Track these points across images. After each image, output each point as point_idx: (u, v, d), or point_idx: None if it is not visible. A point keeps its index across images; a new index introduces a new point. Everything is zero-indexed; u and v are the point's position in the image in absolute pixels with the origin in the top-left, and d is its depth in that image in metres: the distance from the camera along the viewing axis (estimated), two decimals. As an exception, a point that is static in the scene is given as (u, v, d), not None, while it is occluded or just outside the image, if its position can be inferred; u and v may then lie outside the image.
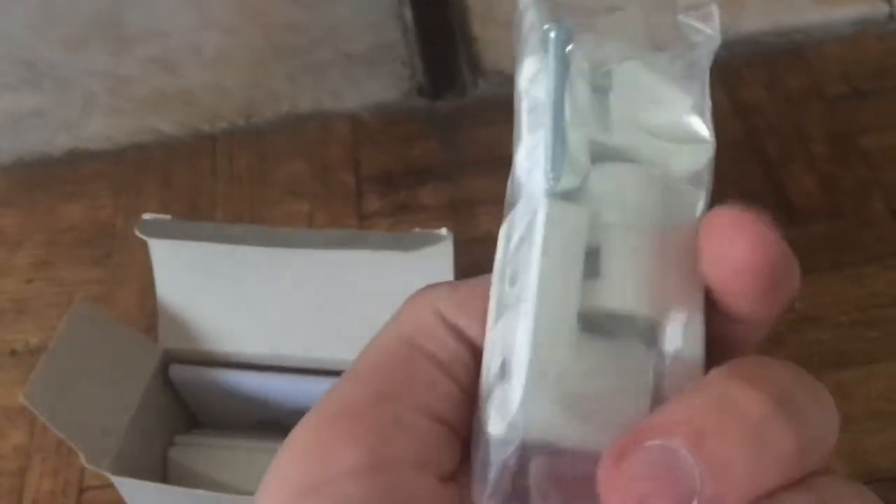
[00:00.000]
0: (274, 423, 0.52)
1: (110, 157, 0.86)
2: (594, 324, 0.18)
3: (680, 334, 0.19)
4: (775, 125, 0.80)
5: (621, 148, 0.20)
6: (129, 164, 0.85)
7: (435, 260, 0.43)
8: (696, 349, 0.19)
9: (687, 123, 0.23)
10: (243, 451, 0.50)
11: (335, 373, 0.49)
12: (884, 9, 0.86)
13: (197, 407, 0.52)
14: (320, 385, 0.49)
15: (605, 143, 0.20)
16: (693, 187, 0.22)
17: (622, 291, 0.19)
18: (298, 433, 0.19)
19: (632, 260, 0.19)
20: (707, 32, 0.22)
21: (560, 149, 0.20)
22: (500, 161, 0.88)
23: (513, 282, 0.19)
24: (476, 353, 0.20)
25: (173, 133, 0.87)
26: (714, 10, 0.22)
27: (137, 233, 0.44)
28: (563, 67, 0.21)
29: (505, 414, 0.18)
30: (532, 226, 0.19)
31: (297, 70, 0.88)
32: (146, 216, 0.45)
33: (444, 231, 0.43)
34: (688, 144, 0.22)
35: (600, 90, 0.21)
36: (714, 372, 0.18)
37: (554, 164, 0.20)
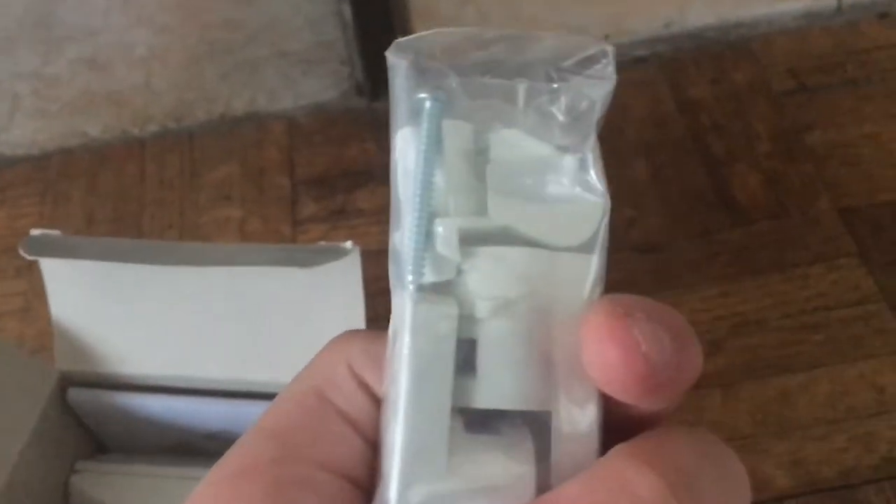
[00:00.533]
0: (184, 446, 0.49)
1: (35, 162, 0.82)
2: (475, 421, 0.18)
3: (572, 418, 0.18)
4: (721, 122, 0.79)
5: (499, 228, 0.19)
6: (55, 170, 0.82)
7: (341, 275, 0.40)
8: (592, 431, 0.18)
9: (574, 186, 0.20)
10: (150, 477, 0.47)
11: (241, 394, 0.46)
12: (830, 1, 0.84)
13: (100, 432, 0.49)
14: (226, 407, 0.46)
15: (480, 226, 0.19)
16: (585, 255, 0.20)
17: (499, 388, 0.18)
18: (199, 490, 0.19)
19: (509, 353, 0.18)
20: (599, 77, 0.21)
21: (422, 245, 0.19)
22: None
23: (392, 382, 0.18)
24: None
25: (101, 137, 0.84)
26: (609, 50, 0.20)
27: (21, 252, 0.41)
28: (435, 145, 0.19)
29: None
30: (401, 326, 0.18)
31: (231, 69, 0.85)
32: (33, 232, 0.42)
33: (349, 244, 0.40)
34: (577, 208, 0.20)
35: (478, 162, 0.19)
36: (614, 451, 0.18)
37: (415, 262, 0.18)
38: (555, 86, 0.19)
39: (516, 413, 0.18)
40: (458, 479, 0.17)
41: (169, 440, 0.49)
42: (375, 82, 0.84)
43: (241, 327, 0.45)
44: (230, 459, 0.19)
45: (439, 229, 0.19)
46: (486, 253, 0.19)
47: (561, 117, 0.20)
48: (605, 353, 0.18)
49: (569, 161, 0.20)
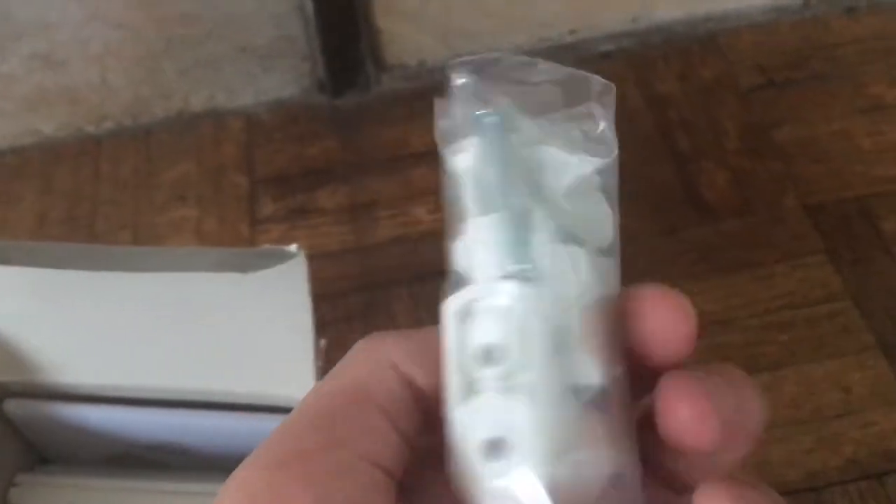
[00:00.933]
0: (127, 457, 0.48)
1: (-15, 161, 0.80)
2: (581, 395, 0.20)
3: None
4: (688, 119, 0.77)
5: (558, 228, 0.22)
6: (7, 169, 0.79)
7: (286, 279, 0.38)
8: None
9: (597, 197, 0.25)
10: (92, 490, 0.46)
11: (185, 403, 0.44)
12: (798, -4, 0.83)
13: (40, 443, 0.47)
14: (170, 417, 0.44)
15: (552, 224, 0.22)
16: (611, 258, 0.24)
17: (594, 366, 0.20)
18: (246, 475, 0.20)
19: (593, 335, 0.21)
20: (610, 106, 0.24)
21: (522, 233, 0.21)
22: (403, 161, 0.84)
23: (489, 362, 0.20)
24: (420, 402, 0.21)
25: (55, 135, 0.82)
26: (612, 86, 0.24)
27: (-52, 257, 0.39)
28: (507, 152, 0.22)
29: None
30: (505, 311, 0.20)
31: (189, 65, 0.83)
32: (-39, 236, 0.40)
33: (294, 248, 0.38)
34: (602, 216, 0.25)
35: (531, 171, 0.23)
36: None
37: (517, 249, 0.21)
38: (582, 109, 0.23)
39: (608, 389, 0.20)
40: (588, 449, 0.19)
41: (111, 451, 0.47)
42: (337, 79, 0.83)
43: (184, 334, 0.43)
44: (274, 447, 0.20)
45: (531, 220, 0.21)
46: (557, 247, 0.21)
47: (585, 135, 0.24)
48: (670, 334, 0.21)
49: (594, 176, 0.24)
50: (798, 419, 0.59)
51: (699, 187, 0.72)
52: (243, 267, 0.38)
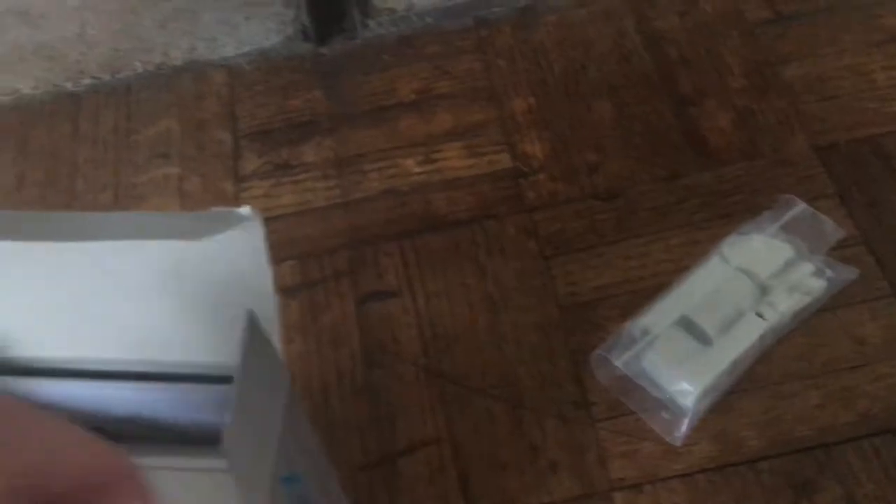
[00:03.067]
0: (100, 433, 0.45)
1: (-39, 123, 0.77)
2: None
3: None
4: (689, 57, 0.73)
5: None
6: (-17, 131, 0.77)
7: (239, 245, 0.35)
8: None
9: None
10: None
11: (151, 376, 0.42)
12: (808, -78, 0.78)
13: None
14: (137, 391, 0.42)
15: None
16: None
17: None
18: None
19: None
20: None
21: None
22: (390, 111, 0.80)
23: None
24: None
25: (32, 93, 0.79)
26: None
27: None
28: None
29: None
30: None
31: (169, 16, 0.79)
32: None
33: (246, 210, 0.35)
34: None
35: None
36: None
37: None
38: None
39: None
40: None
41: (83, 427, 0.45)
42: (322, 26, 0.79)
43: (138, 305, 0.40)
44: None
45: None
46: None
47: None
48: None
49: None
50: (809, 373, 0.56)
51: (701, 130, 0.69)
52: (194, 234, 0.35)
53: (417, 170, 0.69)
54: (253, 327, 0.35)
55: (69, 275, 0.40)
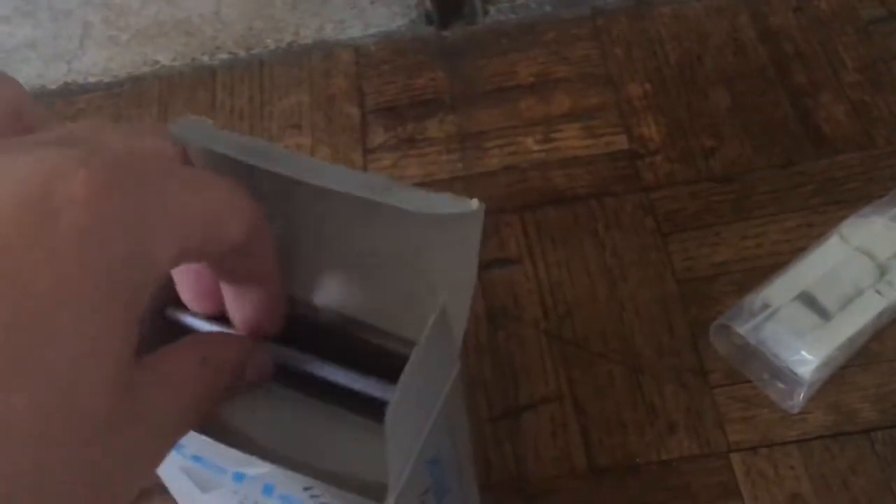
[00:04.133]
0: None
1: (106, 89, 0.83)
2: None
3: None
4: (804, 52, 0.76)
5: None
6: (126, 97, 0.82)
7: (459, 235, 0.36)
8: None
9: None
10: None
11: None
12: (924, -75, 0.80)
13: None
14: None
15: None
16: None
17: None
18: None
19: None
20: None
21: None
22: (510, 92, 0.84)
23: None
24: None
25: (172, 65, 0.84)
26: None
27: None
28: None
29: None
30: None
31: (299, -1, 0.84)
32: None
33: (475, 203, 0.35)
34: None
35: None
36: None
37: None
38: None
39: None
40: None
41: None
42: (444, 11, 0.83)
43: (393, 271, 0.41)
44: None
45: None
46: None
47: None
48: None
49: None
50: (919, 351, 0.58)
51: (816, 120, 0.71)
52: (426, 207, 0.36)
53: (536, 148, 0.73)
54: (442, 314, 0.35)
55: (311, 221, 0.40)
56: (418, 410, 0.37)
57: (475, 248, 0.36)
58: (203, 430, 0.34)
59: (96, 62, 0.84)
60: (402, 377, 0.33)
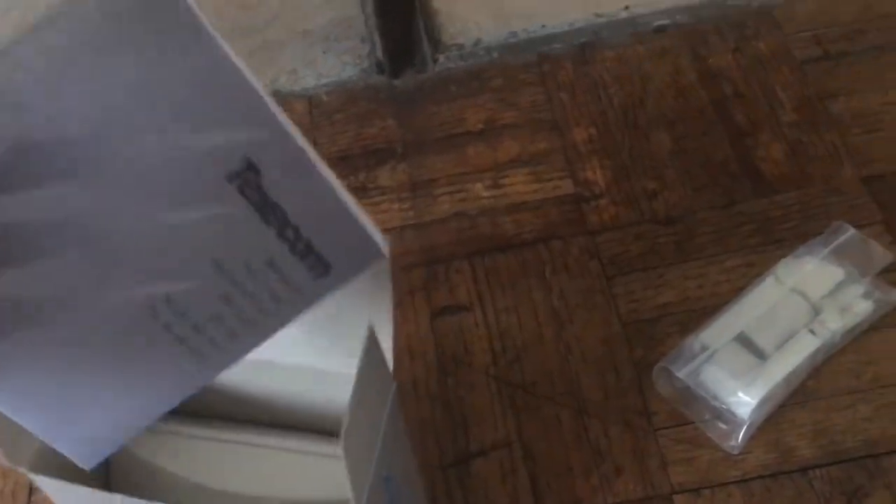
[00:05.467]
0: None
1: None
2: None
3: None
4: (743, 91, 0.78)
5: None
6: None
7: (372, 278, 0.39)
8: None
9: None
10: (201, 440, 0.47)
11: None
12: (855, -34, 0.83)
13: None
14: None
15: None
16: None
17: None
18: None
19: None
20: None
21: None
22: (459, 138, 0.85)
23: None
24: None
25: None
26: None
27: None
28: None
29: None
30: None
31: (252, 51, 0.85)
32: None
33: (379, 236, 0.37)
34: None
35: None
36: None
37: None
38: None
39: None
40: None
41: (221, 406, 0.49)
42: (395, 59, 0.85)
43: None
44: None
45: None
46: None
47: None
48: None
49: None
50: (857, 388, 0.60)
51: (755, 160, 0.73)
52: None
53: (485, 194, 0.75)
54: (372, 341, 0.38)
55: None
56: (368, 430, 0.39)
57: (387, 280, 0.38)
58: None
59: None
60: (350, 398, 0.35)
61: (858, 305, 0.59)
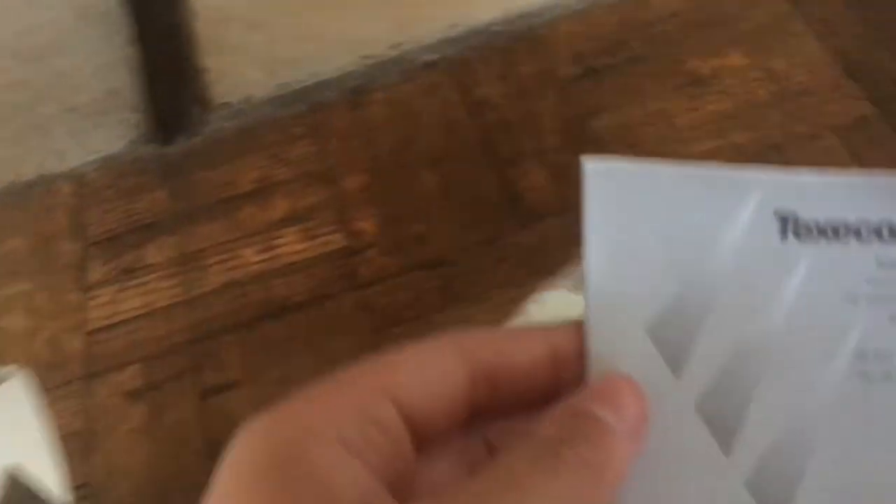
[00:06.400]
0: None
1: None
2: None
3: None
4: (509, 120, 0.77)
5: None
6: None
7: (8, 400, 0.37)
8: None
9: None
10: None
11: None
12: (611, -22, 0.83)
13: None
14: None
15: None
16: None
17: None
18: None
19: None
20: None
21: None
22: (231, 202, 0.83)
23: None
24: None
25: None
26: None
27: None
28: None
29: None
30: None
31: (20, 131, 0.82)
32: None
33: (10, 368, 0.37)
34: None
35: None
36: None
37: None
38: None
39: None
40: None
41: None
42: (165, 126, 0.82)
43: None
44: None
45: None
46: None
47: None
48: None
49: None
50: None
51: (520, 190, 0.73)
52: None
53: (256, 259, 0.72)
54: (14, 482, 0.36)
55: None
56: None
57: (31, 406, 0.37)
58: None
59: None
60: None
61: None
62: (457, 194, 0.73)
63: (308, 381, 0.62)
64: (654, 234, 0.22)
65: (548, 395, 0.22)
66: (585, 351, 0.22)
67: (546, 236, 0.69)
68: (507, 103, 0.78)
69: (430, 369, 0.21)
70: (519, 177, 0.73)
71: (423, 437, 0.21)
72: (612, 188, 0.22)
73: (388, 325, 0.67)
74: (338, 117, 0.81)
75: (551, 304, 0.60)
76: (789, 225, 0.22)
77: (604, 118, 0.76)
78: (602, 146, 0.74)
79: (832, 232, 0.22)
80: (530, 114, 0.77)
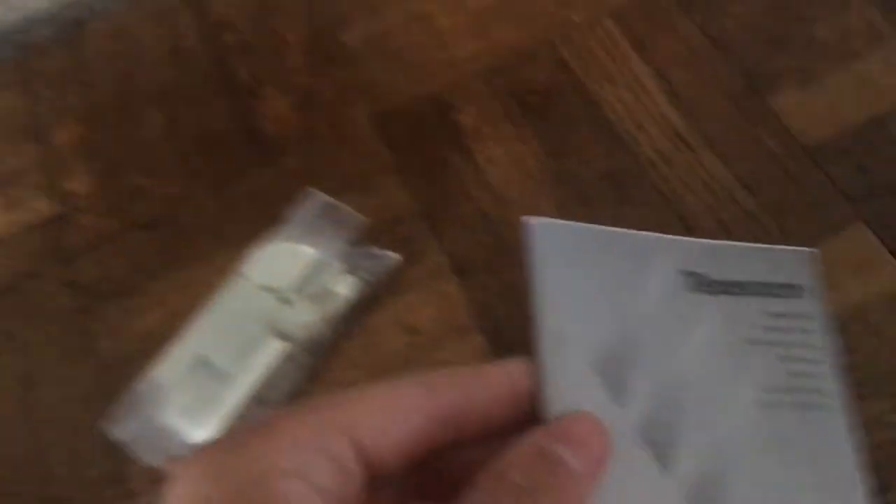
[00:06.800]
0: None
1: None
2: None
3: None
4: (249, 41, 0.65)
5: None
6: None
7: None
8: None
9: None
10: None
11: None
12: None
13: None
14: None
15: None
16: None
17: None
18: None
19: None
20: None
21: None
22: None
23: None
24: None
25: None
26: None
27: None
28: None
29: None
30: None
31: None
32: None
33: None
34: None
35: None
36: None
37: None
38: None
39: None
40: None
41: None
42: None
43: None
44: None
45: None
46: None
47: None
48: None
49: None
50: (365, 379, 0.49)
51: (261, 120, 0.61)
52: None
53: (-51, 240, 0.60)
54: None
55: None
56: None
57: None
58: None
59: None
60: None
61: (339, 284, 0.48)
62: (186, 135, 0.61)
63: (3, 384, 0.44)
64: (593, 283, 0.25)
65: (506, 428, 0.23)
66: (539, 386, 0.23)
67: (288, 175, 0.58)
68: (248, 20, 0.66)
69: (389, 410, 0.22)
70: (259, 108, 0.61)
71: (378, 474, 0.21)
72: (555, 243, 0.25)
73: (98, 304, 0.55)
74: (53, 59, 0.67)
75: (267, 260, 0.49)
76: (697, 281, 0.26)
77: (356, 28, 0.64)
78: (355, 60, 0.62)
79: (732, 287, 0.26)
80: (272, 31, 0.65)
